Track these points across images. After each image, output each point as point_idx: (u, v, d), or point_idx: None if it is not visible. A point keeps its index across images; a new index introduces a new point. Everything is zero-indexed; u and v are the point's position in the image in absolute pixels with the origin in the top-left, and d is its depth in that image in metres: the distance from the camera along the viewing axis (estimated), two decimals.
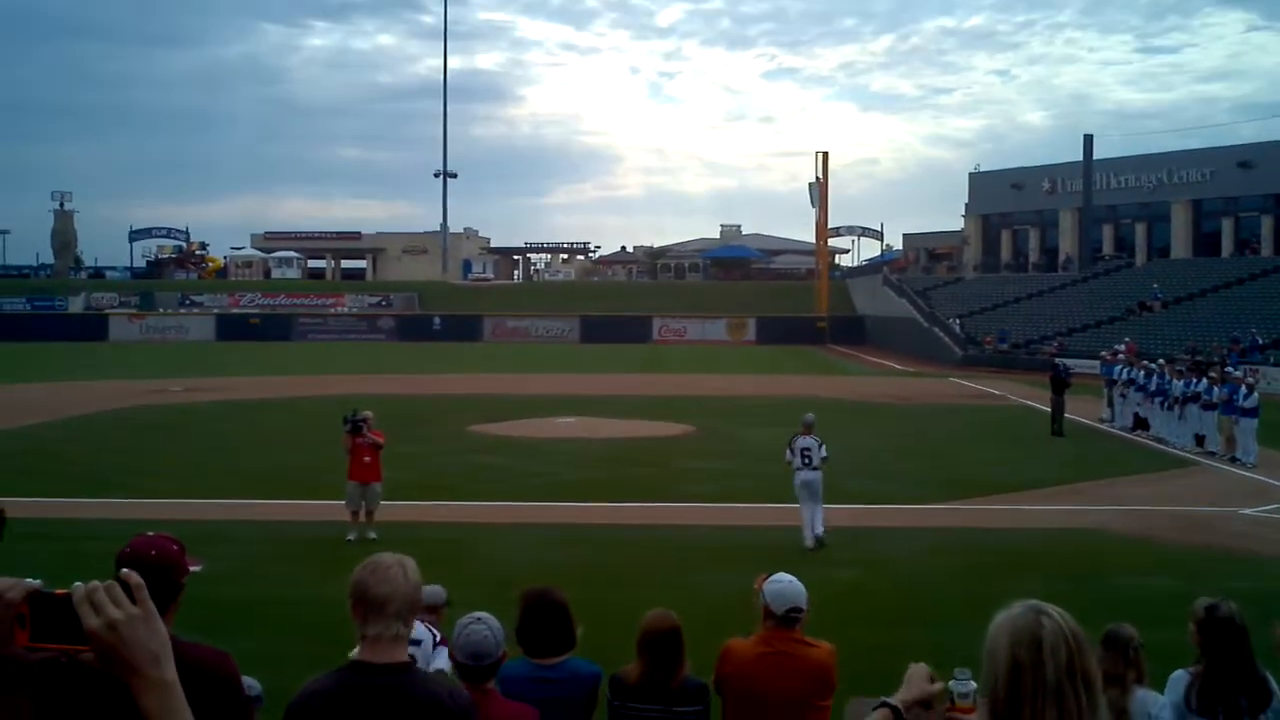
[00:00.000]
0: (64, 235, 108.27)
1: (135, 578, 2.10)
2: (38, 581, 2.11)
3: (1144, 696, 6.51)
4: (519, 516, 20.19)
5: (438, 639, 8.39)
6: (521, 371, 55.03)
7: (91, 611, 2.05)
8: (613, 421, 34.36)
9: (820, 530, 17.72)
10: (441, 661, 8.09)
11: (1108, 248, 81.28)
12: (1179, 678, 6.54)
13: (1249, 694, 6.37)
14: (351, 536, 17.77)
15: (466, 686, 5.12)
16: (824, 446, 17.86)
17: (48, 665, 2.08)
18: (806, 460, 17.77)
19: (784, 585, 6.69)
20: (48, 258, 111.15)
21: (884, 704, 3.45)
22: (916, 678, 3.50)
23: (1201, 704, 6.31)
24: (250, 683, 7.71)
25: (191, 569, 4.45)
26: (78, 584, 2.09)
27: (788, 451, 18.13)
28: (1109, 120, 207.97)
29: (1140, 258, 77.64)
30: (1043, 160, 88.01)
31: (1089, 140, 79.02)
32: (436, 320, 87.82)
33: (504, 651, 5.67)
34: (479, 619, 5.63)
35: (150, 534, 4.43)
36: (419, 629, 9.29)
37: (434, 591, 8.87)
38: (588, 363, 61.33)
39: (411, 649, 8.75)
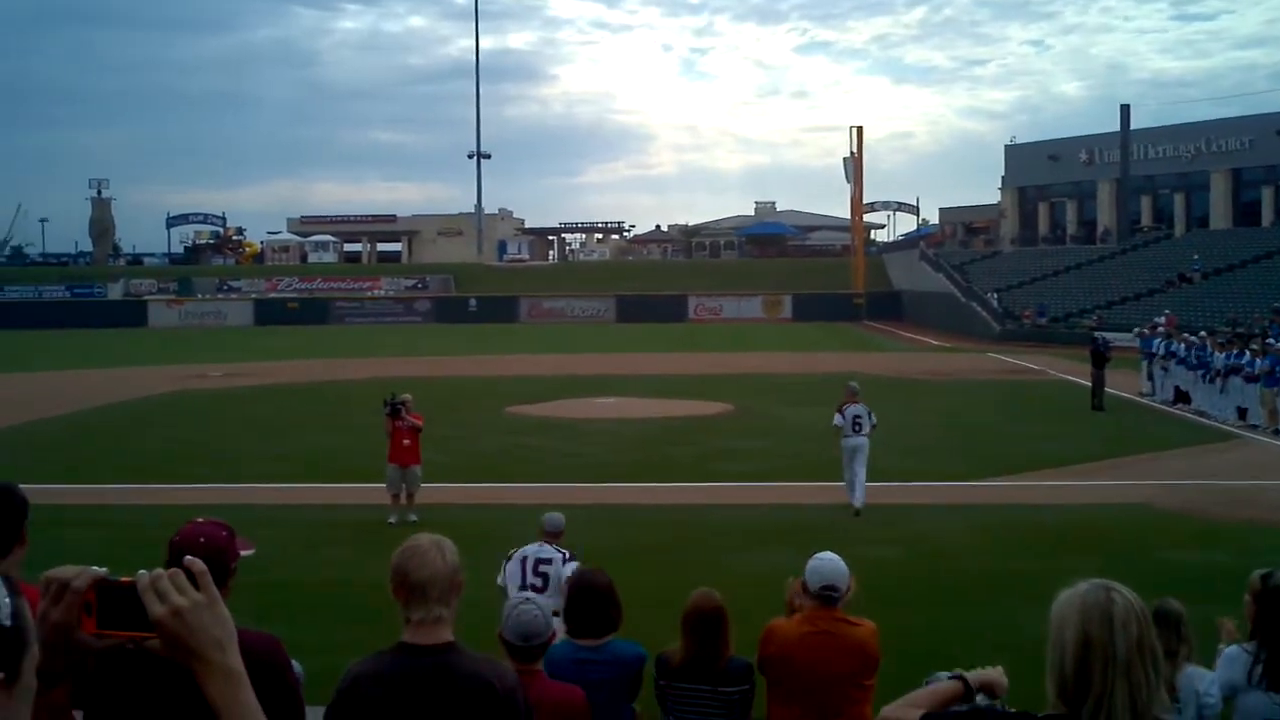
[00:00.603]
0: (102, 222, 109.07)
1: (199, 564, 2.12)
2: (103, 569, 2.13)
3: (1192, 673, 6.43)
4: (558, 498, 20.18)
5: (566, 556, 10.35)
6: (558, 352, 55.08)
7: (156, 599, 2.06)
8: (650, 401, 34.37)
9: (861, 498, 18.45)
10: (568, 571, 9.81)
11: (1146, 219, 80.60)
12: (1234, 654, 6.42)
13: None
14: (392, 519, 17.85)
15: (515, 666, 5.16)
16: (873, 414, 18.81)
17: (114, 652, 2.10)
18: (858, 427, 18.60)
19: (822, 562, 6.69)
20: (86, 245, 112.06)
21: (958, 675, 3.48)
22: (996, 671, 3.55)
23: (1269, 678, 6.15)
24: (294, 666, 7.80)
25: (242, 553, 4.49)
26: (142, 571, 2.11)
27: (838, 416, 18.77)
28: (1146, 89, 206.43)
29: (1179, 228, 76.96)
30: (1079, 131, 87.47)
31: (1125, 110, 78.40)
32: (472, 302, 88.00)
33: (553, 632, 5.69)
34: (529, 599, 5.66)
35: (200, 520, 4.46)
36: (547, 550, 10.60)
37: (555, 519, 10.98)
38: (624, 343, 61.36)
39: (544, 567, 10.22)
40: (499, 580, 10.41)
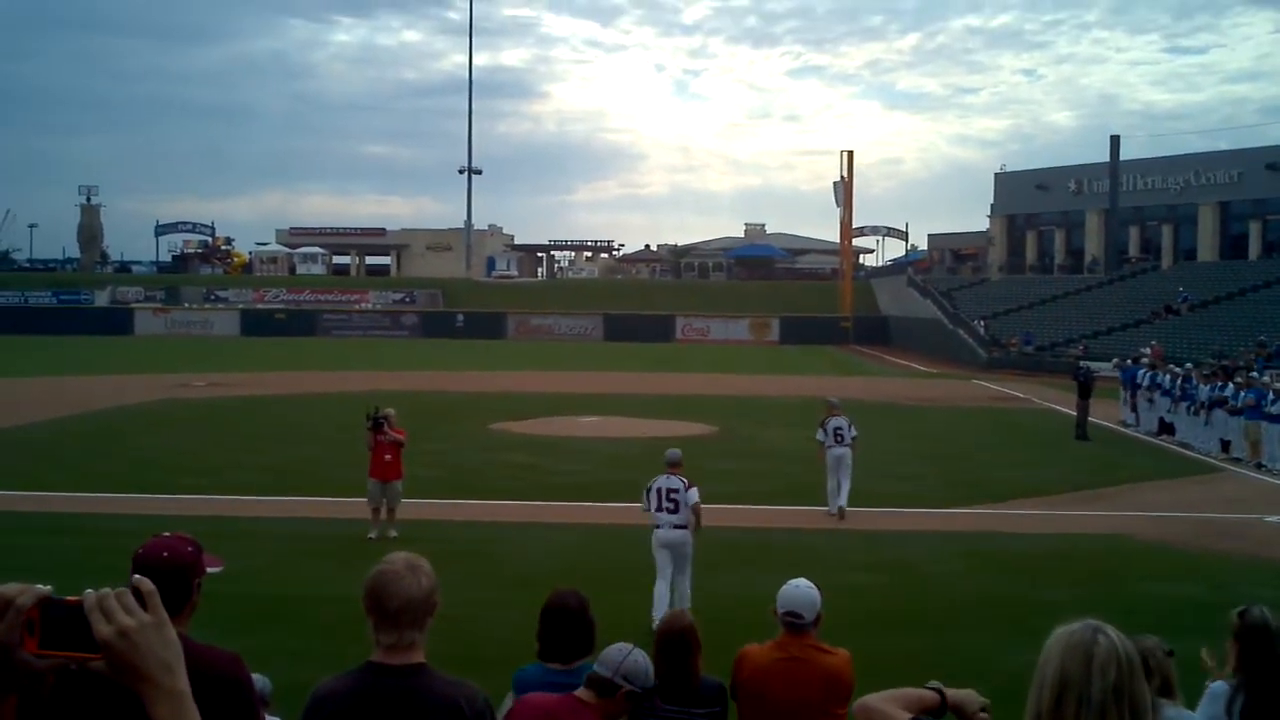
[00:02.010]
0: (90, 229, 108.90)
1: (148, 584, 2.08)
2: (48, 587, 2.09)
3: (1175, 715, 6.32)
4: (541, 515, 20.19)
5: (687, 484, 13.58)
6: (544, 369, 55.05)
7: (103, 619, 2.02)
8: (635, 421, 34.34)
9: (844, 501, 19.82)
10: (694, 497, 13.49)
11: (1134, 250, 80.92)
12: (1219, 691, 6.36)
13: None
14: (372, 534, 17.78)
15: (595, 698, 5.21)
16: (853, 426, 20.05)
17: (56, 672, 2.06)
18: (839, 438, 19.83)
19: (790, 589, 6.66)
20: (74, 251, 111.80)
21: (936, 688, 3.49)
22: (969, 693, 3.55)
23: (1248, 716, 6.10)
24: (260, 680, 7.74)
25: (210, 570, 4.45)
26: (89, 590, 2.07)
27: (820, 431, 20.13)
28: (1136, 121, 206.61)
29: (1166, 260, 77.27)
30: (1069, 160, 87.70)
31: (1115, 141, 78.67)
32: (460, 317, 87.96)
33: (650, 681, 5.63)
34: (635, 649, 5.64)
35: (166, 534, 4.42)
36: (674, 480, 13.62)
37: (674, 453, 14.12)
38: (611, 361, 61.34)
39: (674, 495, 13.40)
40: (642, 508, 13.99)
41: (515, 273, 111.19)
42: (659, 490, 13.71)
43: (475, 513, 20.46)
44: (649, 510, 13.69)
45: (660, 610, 12.72)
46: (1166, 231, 78.82)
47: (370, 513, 18.21)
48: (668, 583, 13.68)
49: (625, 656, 5.46)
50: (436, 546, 14.94)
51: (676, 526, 13.64)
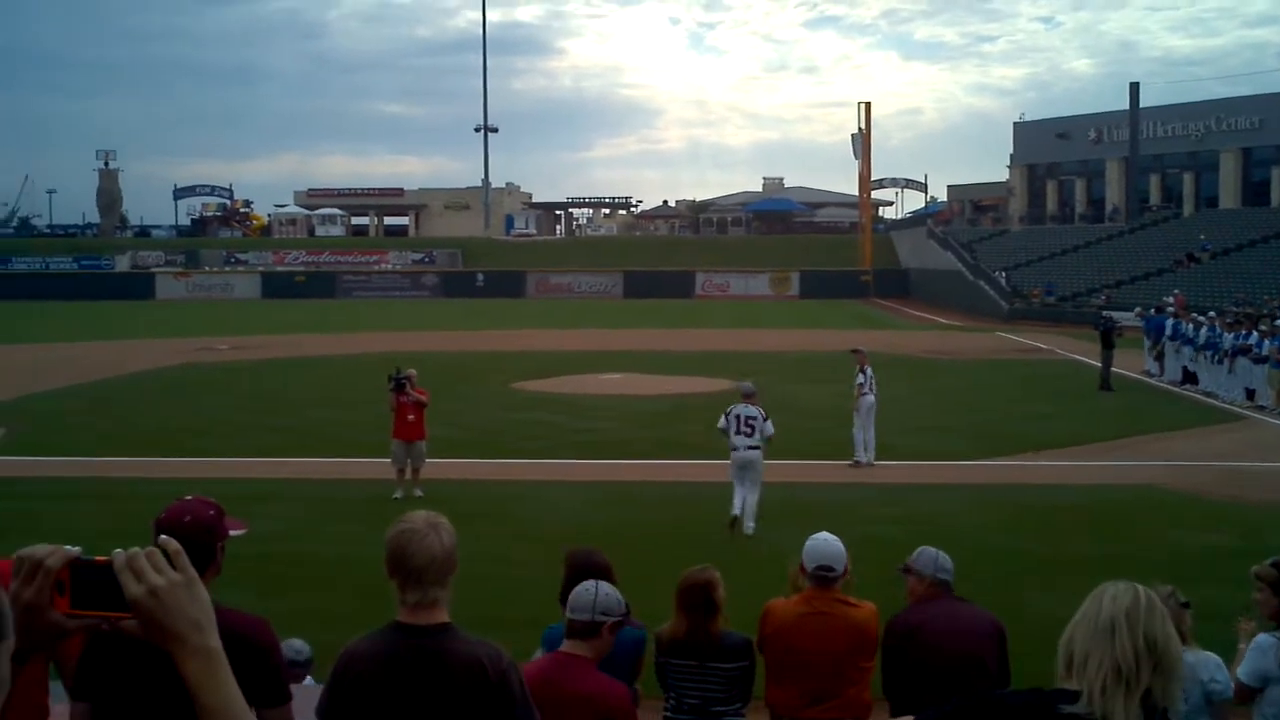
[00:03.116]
0: (109, 194, 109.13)
1: (174, 544, 2.08)
2: (77, 549, 2.09)
3: (1194, 660, 6.32)
4: (564, 474, 20.22)
5: (764, 415, 15.68)
6: (564, 328, 55.06)
7: (133, 578, 2.03)
8: (657, 378, 34.30)
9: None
10: (770, 429, 15.58)
11: (1155, 198, 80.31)
12: (1265, 644, 6.31)
13: None
14: (398, 494, 17.84)
15: (569, 647, 5.19)
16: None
17: (102, 639, 2.06)
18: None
19: (818, 542, 6.67)
20: (94, 217, 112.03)
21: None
22: None
23: None
24: (300, 646, 7.78)
25: (233, 533, 4.44)
26: (118, 550, 2.07)
27: (860, 375, 20.32)
28: (1156, 67, 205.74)
29: (1188, 208, 76.67)
30: (1089, 109, 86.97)
31: (1135, 88, 77.91)
32: (479, 277, 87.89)
33: (624, 613, 5.63)
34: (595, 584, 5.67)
35: (187, 498, 4.42)
36: (751, 409, 15.71)
37: (747, 386, 16.24)
38: (631, 318, 61.27)
39: (751, 421, 15.61)
40: (719, 425, 16.00)
41: (534, 231, 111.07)
42: (738, 416, 15.75)
43: (499, 472, 20.51)
44: (726, 432, 15.75)
45: (739, 505, 15.59)
46: (1188, 179, 78.17)
47: (395, 473, 18.26)
48: (744, 490, 15.68)
49: (595, 595, 5.52)
50: (461, 506, 14.98)
51: (751, 448, 15.63)
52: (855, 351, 21.41)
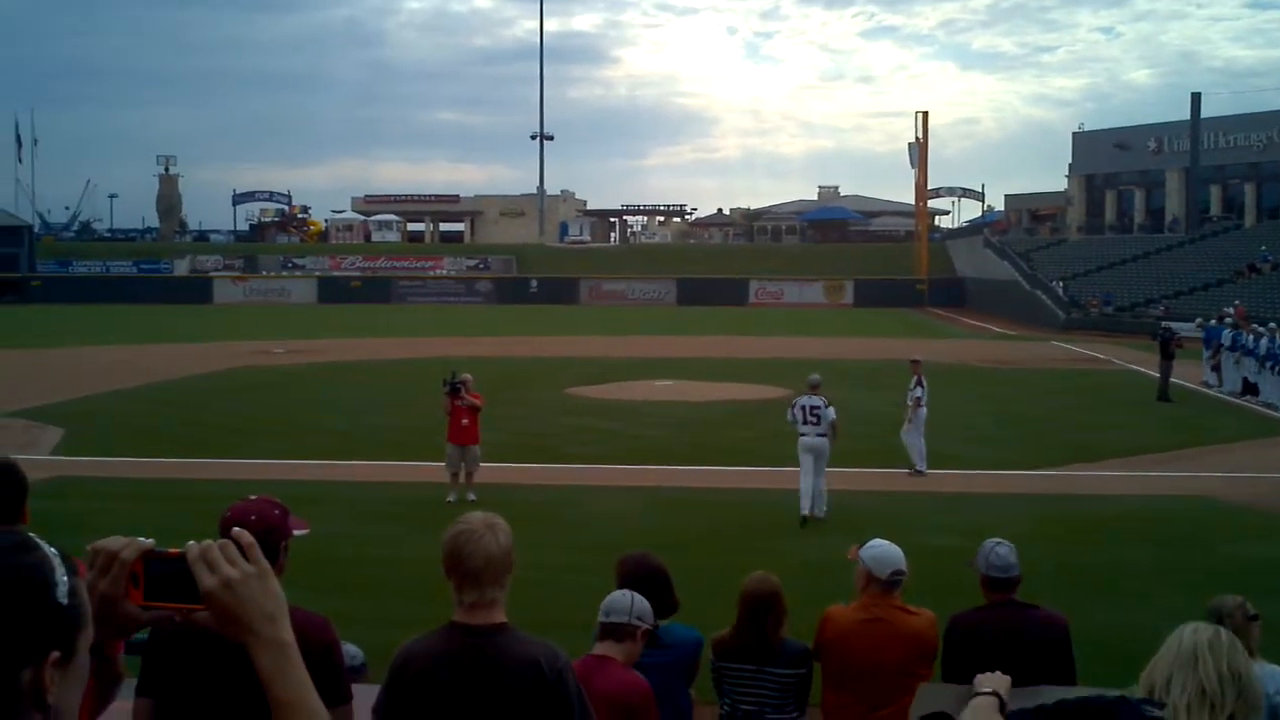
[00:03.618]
0: (169, 199, 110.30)
1: (247, 536, 2.10)
2: (150, 541, 2.11)
3: (1260, 673, 6.23)
4: (617, 479, 20.22)
5: (826, 403, 16.92)
6: (618, 334, 55.05)
7: (206, 570, 2.04)
8: (710, 384, 34.29)
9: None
10: (832, 415, 16.83)
11: (1215, 209, 79.47)
12: None
13: None
14: (451, 498, 17.88)
15: (597, 649, 5.23)
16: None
17: (168, 634, 2.08)
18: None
19: (884, 549, 6.64)
20: (154, 221, 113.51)
21: (991, 691, 3.59)
22: (1000, 677, 3.69)
23: None
24: (354, 651, 7.81)
25: (296, 533, 4.48)
26: (191, 543, 2.09)
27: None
28: (1217, 78, 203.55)
29: (1249, 219, 75.80)
30: (1148, 119, 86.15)
31: (1196, 98, 77.16)
32: (534, 283, 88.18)
33: (651, 624, 5.68)
34: (625, 592, 5.73)
35: (252, 498, 4.46)
36: (815, 399, 16.97)
37: (814, 378, 17.43)
38: (684, 326, 61.25)
39: (816, 411, 17.01)
40: (788, 416, 17.45)
41: (588, 238, 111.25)
42: (803, 407, 17.15)
43: (553, 476, 20.54)
44: (794, 423, 17.17)
45: (806, 501, 16.77)
46: (1249, 190, 77.30)
47: (449, 477, 18.32)
48: (810, 479, 16.90)
49: (632, 600, 5.58)
50: (515, 510, 14.94)
51: (819, 435, 16.99)
52: (914, 362, 21.31)
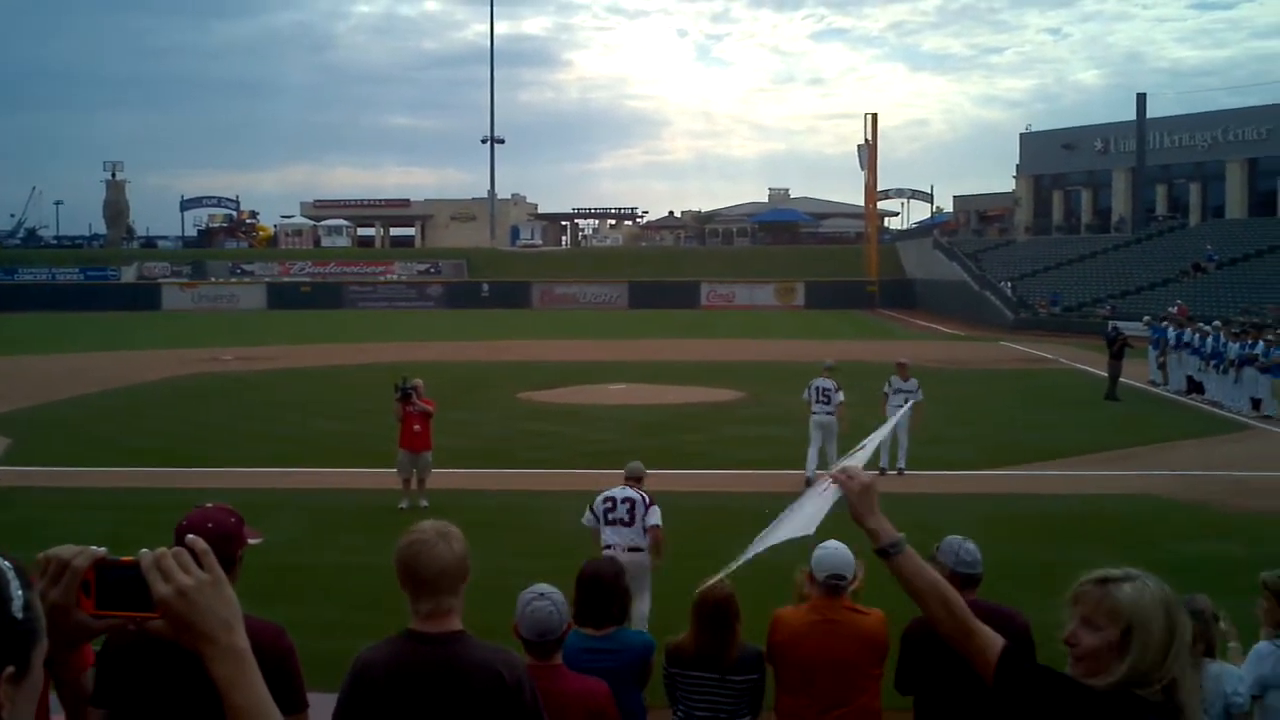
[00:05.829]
0: (116, 205, 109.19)
1: (201, 544, 2.09)
2: (102, 549, 2.10)
3: (1218, 671, 6.29)
4: (570, 484, 20.17)
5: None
6: (570, 338, 55.02)
7: (160, 578, 2.02)
8: (663, 388, 34.32)
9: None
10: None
11: (1161, 208, 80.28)
12: (1264, 651, 6.30)
13: None
14: (403, 504, 17.85)
15: (533, 661, 5.13)
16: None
17: (120, 645, 2.07)
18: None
19: (828, 551, 6.53)
20: (100, 228, 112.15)
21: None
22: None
23: None
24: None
25: (250, 541, 4.48)
26: (144, 550, 2.08)
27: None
28: (1163, 79, 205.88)
29: (1195, 218, 76.62)
30: (1096, 120, 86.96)
31: (1142, 99, 78.04)
32: (485, 287, 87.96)
33: (568, 624, 5.63)
34: (542, 595, 5.56)
35: (208, 505, 4.46)
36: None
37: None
38: (636, 329, 61.25)
39: (827, 393, 19.82)
40: (804, 395, 20.09)
41: (539, 242, 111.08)
42: (817, 388, 19.79)
43: (505, 482, 20.49)
44: (809, 401, 19.91)
45: (810, 466, 19.14)
46: (1194, 189, 78.12)
47: (401, 483, 18.27)
48: (818, 449, 19.42)
49: (525, 609, 5.50)
50: (468, 516, 14.97)
51: (828, 413, 19.57)
52: (900, 365, 21.92)
